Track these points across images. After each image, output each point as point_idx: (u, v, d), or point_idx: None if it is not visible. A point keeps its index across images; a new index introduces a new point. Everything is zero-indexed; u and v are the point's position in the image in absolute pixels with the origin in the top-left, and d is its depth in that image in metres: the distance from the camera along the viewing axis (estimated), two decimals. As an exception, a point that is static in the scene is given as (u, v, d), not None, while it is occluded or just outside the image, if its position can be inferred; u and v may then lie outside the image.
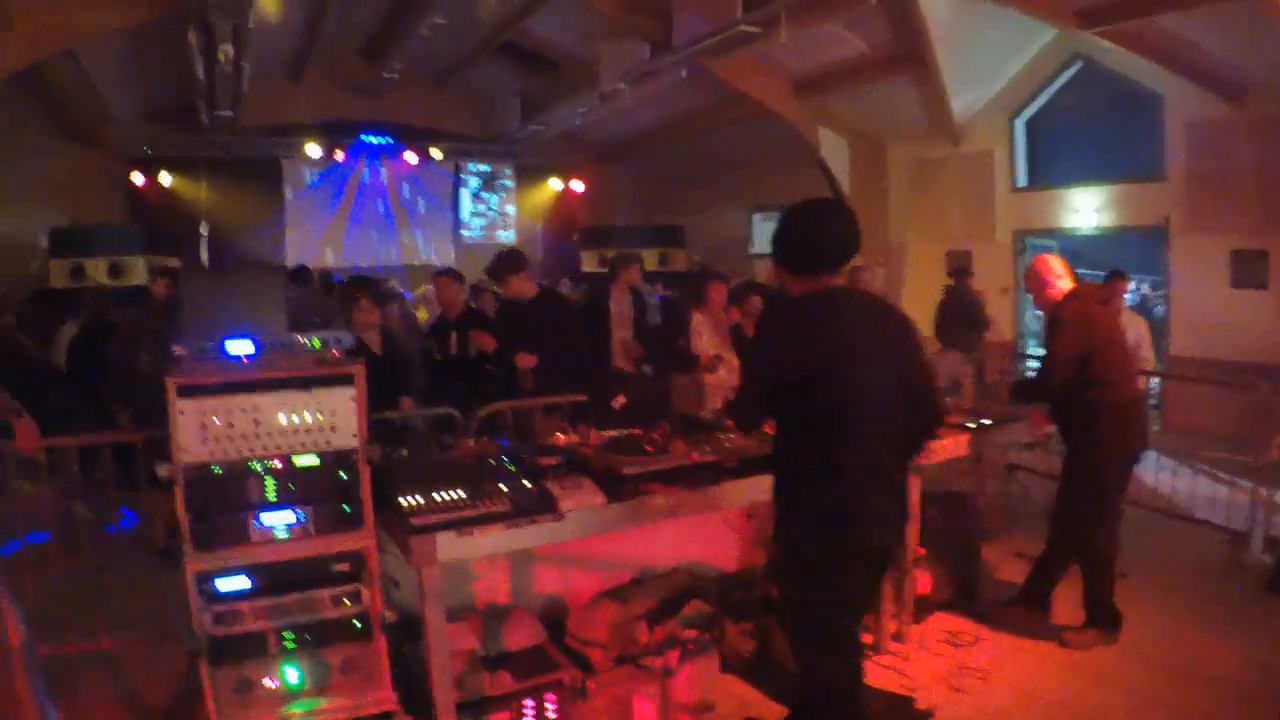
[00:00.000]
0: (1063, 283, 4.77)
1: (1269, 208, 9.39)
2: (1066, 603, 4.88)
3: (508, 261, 6.41)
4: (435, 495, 3.33)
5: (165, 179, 15.36)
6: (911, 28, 10.15)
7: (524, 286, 6.32)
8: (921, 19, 9.89)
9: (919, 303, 12.35)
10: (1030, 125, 11.98)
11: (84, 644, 4.52)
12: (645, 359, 7.25)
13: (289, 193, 16.82)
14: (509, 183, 18.97)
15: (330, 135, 16.41)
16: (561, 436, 4.34)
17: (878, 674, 4.32)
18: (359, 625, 3.22)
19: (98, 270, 12.12)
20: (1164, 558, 5.94)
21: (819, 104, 12.81)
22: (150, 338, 6.39)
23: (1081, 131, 11.46)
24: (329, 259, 16.62)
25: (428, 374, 7.03)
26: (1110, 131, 11.19)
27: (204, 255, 15.60)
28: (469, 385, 6.75)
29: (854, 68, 11.72)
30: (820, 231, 3.20)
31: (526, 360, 6.28)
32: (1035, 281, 4.90)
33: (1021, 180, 12.05)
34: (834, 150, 13.37)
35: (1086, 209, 11.13)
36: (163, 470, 3.00)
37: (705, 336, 6.70)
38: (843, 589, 3.10)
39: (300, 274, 10.95)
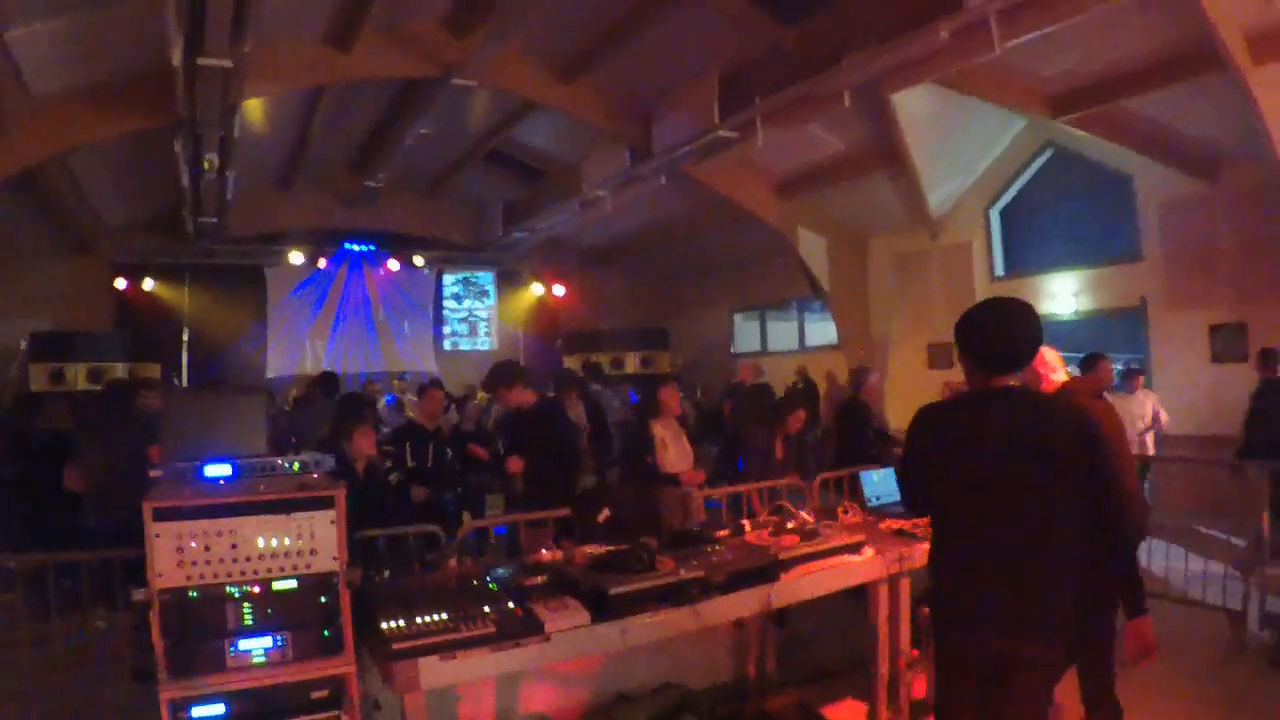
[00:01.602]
0: (1057, 375, 4.58)
1: (1245, 280, 9.59)
2: (1069, 700, 4.76)
3: (503, 372, 6.52)
4: (418, 618, 3.26)
5: (149, 285, 15.44)
6: (887, 125, 10.43)
7: (520, 396, 6.36)
8: (895, 116, 10.16)
9: (904, 397, 12.43)
10: (1005, 214, 12.25)
11: None
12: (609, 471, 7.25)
13: (272, 299, 16.95)
14: (491, 289, 19.21)
15: (314, 243, 16.63)
16: (546, 553, 4.27)
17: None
18: (338, 754, 3.10)
19: (78, 375, 12.08)
20: (1162, 640, 5.83)
21: (798, 204, 13.05)
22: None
23: (1056, 218, 11.74)
24: (310, 366, 16.62)
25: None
26: (1084, 216, 11.45)
27: (184, 361, 15.57)
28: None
29: (832, 167, 12.01)
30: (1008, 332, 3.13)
31: (515, 464, 6.38)
32: (1031, 375, 4.84)
33: (1000, 269, 12.25)
34: (813, 247, 13.57)
35: (1065, 294, 11.31)
36: (138, 594, 2.93)
37: (671, 448, 6.70)
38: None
39: (328, 382, 10.53)
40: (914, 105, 10.04)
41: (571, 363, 16.92)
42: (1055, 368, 4.60)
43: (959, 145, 11.32)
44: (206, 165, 9.59)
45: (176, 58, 7.17)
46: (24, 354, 12.85)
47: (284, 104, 11.43)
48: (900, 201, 12.09)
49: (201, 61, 7.14)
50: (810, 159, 11.99)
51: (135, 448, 6.12)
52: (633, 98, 10.88)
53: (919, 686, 4.82)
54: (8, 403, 11.94)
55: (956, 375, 7.77)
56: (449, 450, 7.29)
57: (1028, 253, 12.06)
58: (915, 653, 4.81)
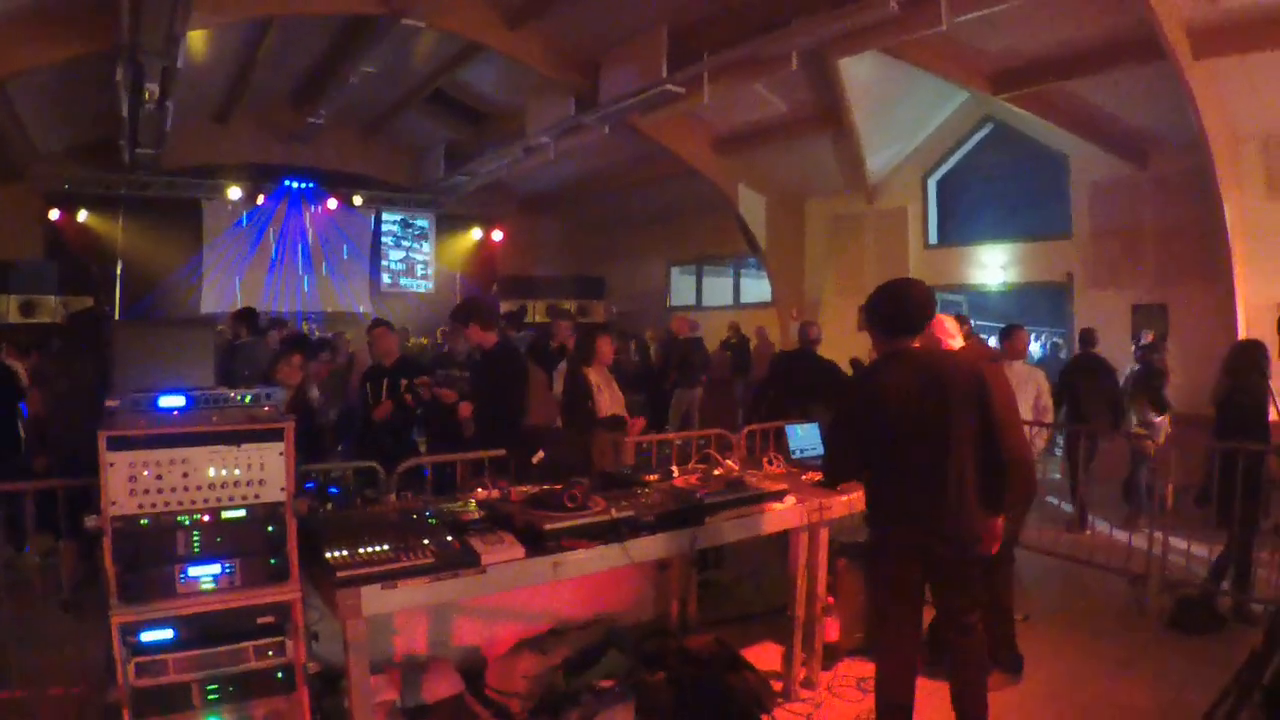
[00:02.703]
0: (955, 342, 4.99)
1: (1168, 263, 10.02)
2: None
3: (467, 309, 6.79)
4: (360, 548, 3.39)
5: (83, 216, 15.06)
6: (831, 89, 10.61)
7: (482, 337, 6.51)
8: (841, 81, 10.34)
9: (834, 357, 12.71)
10: (942, 184, 12.54)
11: None
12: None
13: (208, 234, 16.64)
14: (429, 231, 19.06)
15: (253, 179, 16.38)
16: (482, 491, 4.42)
17: (787, 720, 4.46)
18: (282, 677, 3.25)
19: (9, 307, 11.82)
20: (1066, 601, 6.26)
21: (739, 161, 13.21)
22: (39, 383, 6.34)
23: (991, 191, 12.05)
24: (245, 302, 16.31)
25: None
26: (1018, 191, 11.79)
27: (118, 295, 15.29)
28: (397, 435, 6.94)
29: (774, 127, 12.16)
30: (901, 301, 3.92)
31: (466, 409, 6.64)
32: (928, 340, 5.17)
33: (933, 237, 12.57)
34: (752, 206, 13.76)
35: (994, 265, 11.67)
36: (90, 521, 3.03)
37: (605, 393, 6.90)
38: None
39: (247, 317, 10.50)
40: (859, 71, 10.23)
41: (508, 307, 16.99)
42: (953, 334, 5.04)
43: (901, 113, 11.55)
44: (147, 95, 9.40)
45: (124, -17, 7.03)
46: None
47: (228, 34, 11.20)
48: (839, 165, 12.32)
49: (149, -12, 7.02)
50: (754, 118, 12.13)
51: (98, 378, 6.06)
52: (581, 47, 10.90)
53: (831, 630, 5.11)
54: None
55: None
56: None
57: (961, 223, 12.39)
58: (830, 599, 5.08)
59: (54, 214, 14.80)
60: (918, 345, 3.96)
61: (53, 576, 5.57)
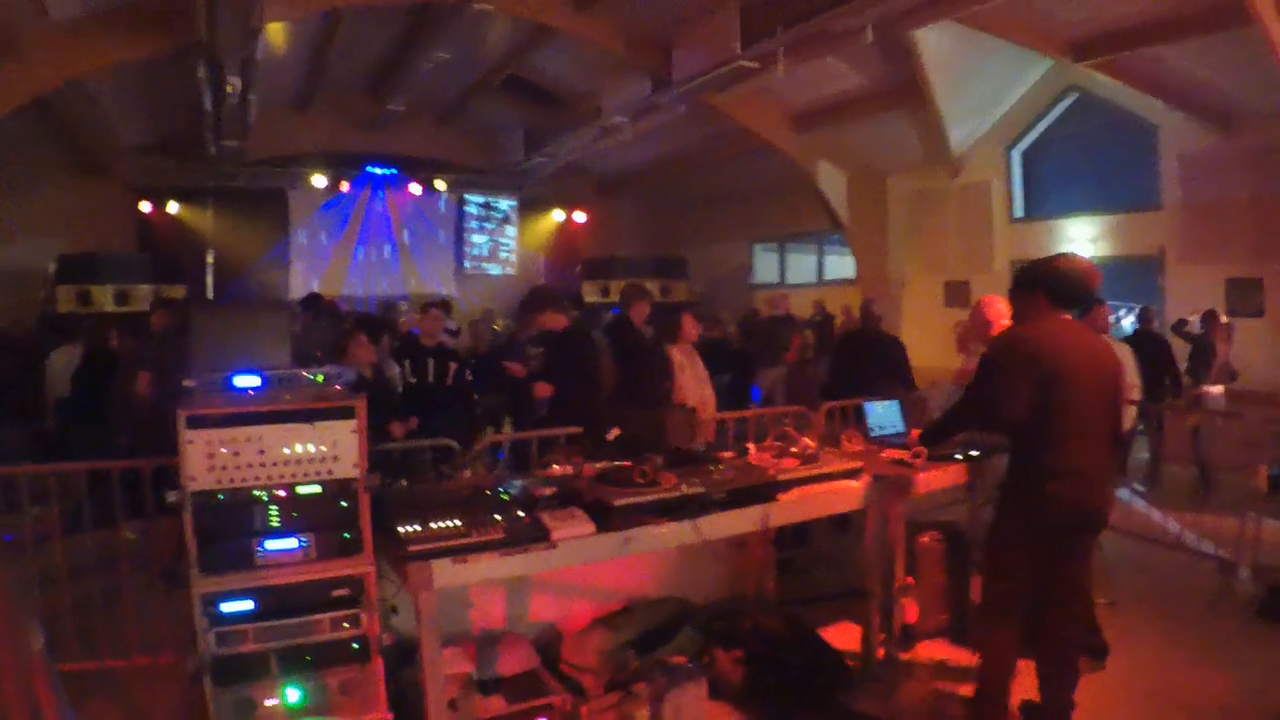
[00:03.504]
0: (1005, 321, 4.93)
1: (1263, 236, 9.58)
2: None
3: (537, 297, 6.85)
4: (432, 524, 3.44)
5: (173, 208, 15.63)
6: (908, 61, 10.37)
7: (553, 320, 6.57)
8: (918, 53, 10.11)
9: (919, 334, 12.50)
10: (1026, 156, 12.18)
11: (88, 663, 4.65)
12: (633, 398, 7.44)
13: (294, 223, 17.08)
14: (512, 214, 19.20)
15: (336, 167, 16.72)
16: (556, 468, 4.45)
17: (865, 703, 4.40)
18: (357, 648, 3.32)
19: (104, 297, 12.27)
20: (1153, 587, 6.03)
21: (818, 137, 13.02)
22: (146, 367, 6.53)
23: (1077, 162, 11.66)
24: (332, 288, 16.76)
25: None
26: (1105, 162, 11.39)
27: (209, 283, 15.80)
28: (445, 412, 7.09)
29: (852, 101, 11.96)
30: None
31: (544, 389, 6.68)
32: (980, 321, 5.12)
33: (1019, 211, 12.22)
34: (832, 182, 13.55)
35: (1082, 239, 11.29)
36: (171, 496, 3.13)
37: (687, 371, 6.87)
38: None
39: (313, 302, 10.99)
40: (936, 42, 9.99)
41: (591, 289, 17.06)
42: (1004, 314, 5.05)
43: (981, 85, 11.24)
44: (229, 89, 9.64)
45: (197, -20, 7.21)
46: (52, 276, 13.05)
47: (304, 26, 11.44)
48: (920, 139, 12.06)
49: (224, -14, 7.19)
50: (831, 92, 11.95)
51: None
52: (651, 26, 10.83)
53: (911, 612, 5.02)
54: (33, 323, 12.23)
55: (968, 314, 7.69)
56: (449, 367, 7.52)
57: (1047, 196, 12.03)
58: (909, 580, 4.99)
59: (145, 206, 15.39)
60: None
61: (145, 552, 5.80)
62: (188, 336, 6.33)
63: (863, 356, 8.42)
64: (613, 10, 10.75)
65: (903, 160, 13.05)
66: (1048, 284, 3.99)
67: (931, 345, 10.43)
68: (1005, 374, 3.89)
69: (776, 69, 9.32)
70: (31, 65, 9.03)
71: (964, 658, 4.87)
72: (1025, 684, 4.04)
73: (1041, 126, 11.90)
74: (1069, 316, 4.07)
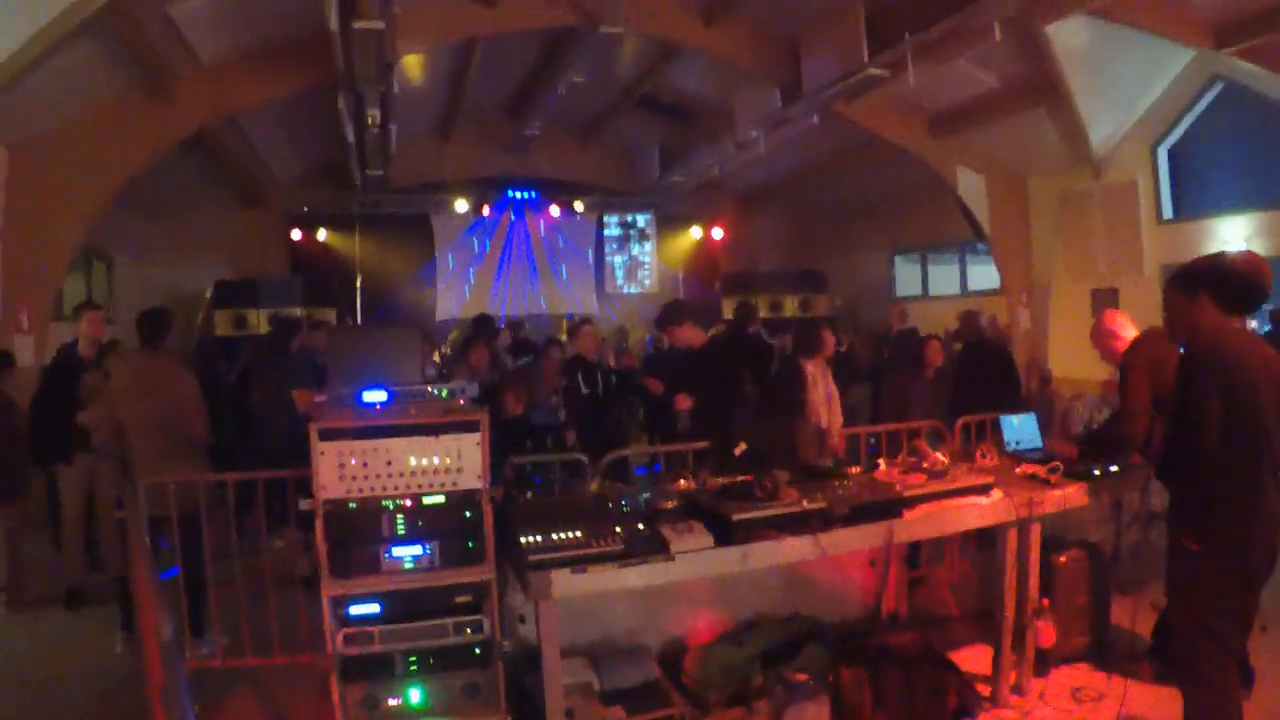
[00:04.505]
0: (1128, 333, 4.81)
1: None
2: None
3: (671, 312, 6.92)
4: (554, 534, 3.52)
5: (322, 235, 16.49)
6: (1041, 60, 9.99)
7: (689, 335, 6.64)
8: (1051, 50, 9.73)
9: (1065, 345, 12.01)
10: (1173, 153, 11.50)
11: (232, 660, 5.02)
12: (763, 410, 7.42)
13: (439, 246, 17.68)
14: (650, 232, 19.40)
15: (477, 191, 17.24)
16: (682, 482, 4.48)
17: (995, 726, 4.26)
18: (479, 652, 3.43)
19: (260, 320, 12.97)
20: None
21: (954, 142, 12.67)
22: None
23: (1227, 157, 10.92)
24: (476, 309, 17.24)
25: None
26: (1258, 155, 10.62)
27: (358, 306, 16.57)
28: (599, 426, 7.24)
29: (987, 103, 11.58)
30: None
31: (684, 402, 6.78)
32: (1103, 336, 4.90)
33: (1168, 211, 11.55)
34: (972, 187, 13.13)
35: (1236, 239, 10.56)
36: (304, 504, 3.30)
37: (819, 386, 6.79)
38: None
39: (484, 323, 11.19)
40: (1070, 37, 9.57)
41: (730, 305, 17.05)
42: (1127, 325, 4.89)
43: (1120, 80, 10.69)
44: (370, 121, 10.10)
45: (333, 21, 7.56)
46: (209, 301, 13.93)
47: (438, 57, 11.88)
48: (1060, 139, 11.57)
49: (357, 24, 7.53)
50: (965, 96, 11.60)
51: (284, 384, 6.61)
52: (778, 37, 10.79)
53: (1046, 634, 4.80)
54: (195, 345, 13.06)
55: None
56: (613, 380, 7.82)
57: (1198, 194, 11.29)
58: (1045, 601, 4.78)
59: (295, 234, 16.28)
60: None
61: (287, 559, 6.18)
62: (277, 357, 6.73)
63: (973, 370, 8.22)
64: (740, 24, 10.77)
65: (1044, 162, 12.53)
66: (1215, 286, 3.57)
67: (1080, 356, 9.94)
68: (1201, 392, 3.43)
69: (907, 75, 9.13)
70: (185, 105, 9.73)
71: (1101, 684, 4.66)
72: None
73: (1188, 121, 11.20)
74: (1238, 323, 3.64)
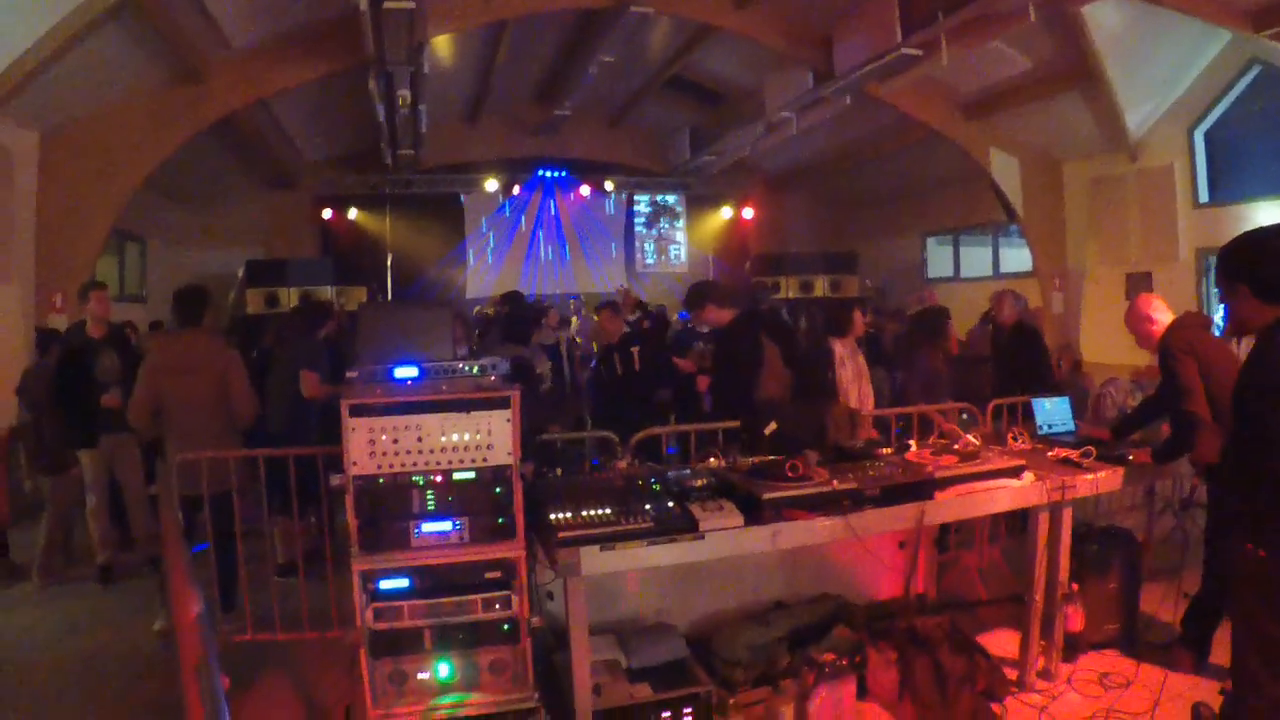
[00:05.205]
0: (1164, 317, 4.77)
1: None
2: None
3: (700, 292, 6.79)
4: (583, 512, 3.53)
5: (353, 214, 16.57)
6: (1077, 41, 9.86)
7: (718, 315, 6.59)
8: (1086, 32, 9.60)
9: (1099, 330, 11.86)
10: (1210, 137, 11.28)
11: (261, 634, 5.10)
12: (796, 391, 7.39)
13: (469, 226, 17.81)
14: (680, 211, 19.41)
15: (507, 171, 17.32)
16: (713, 461, 4.47)
17: (1021, 712, 4.24)
18: (507, 629, 3.43)
19: (290, 299, 13.06)
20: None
21: (988, 124, 12.54)
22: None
23: (1265, 141, 10.70)
24: (507, 287, 17.26)
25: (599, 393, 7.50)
26: (1299, 139, 10.42)
27: (389, 285, 16.66)
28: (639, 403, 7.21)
29: (1021, 85, 11.45)
30: None
31: (704, 381, 6.81)
32: (1140, 324, 4.82)
33: (1204, 196, 11.35)
34: (1006, 170, 12.99)
35: (1277, 222, 10.37)
36: (335, 480, 3.32)
37: (848, 366, 6.75)
38: None
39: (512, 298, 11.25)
40: (1106, 19, 9.43)
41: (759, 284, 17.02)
42: (1161, 311, 4.82)
43: (1156, 62, 10.51)
44: (401, 102, 10.13)
45: (363, 3, 7.58)
46: (241, 280, 14.07)
47: (469, 38, 11.89)
48: (1096, 122, 11.41)
49: (387, 5, 7.53)
50: (999, 77, 11.47)
51: (298, 365, 6.61)
52: (811, 19, 10.70)
53: (1075, 620, 4.75)
54: (226, 324, 13.19)
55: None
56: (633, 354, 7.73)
57: (1235, 178, 11.07)
58: (1075, 586, 4.73)
59: (326, 213, 16.43)
60: None
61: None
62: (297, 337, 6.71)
63: (1001, 354, 8.16)
64: (772, 5, 10.67)
65: (1079, 146, 12.36)
66: (1249, 274, 3.15)
67: (1113, 341, 9.85)
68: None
69: (940, 56, 9.03)
70: (217, 89, 9.82)
71: (1130, 670, 4.65)
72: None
73: (1224, 104, 10.98)
74: None
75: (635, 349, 7.63)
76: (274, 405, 6.55)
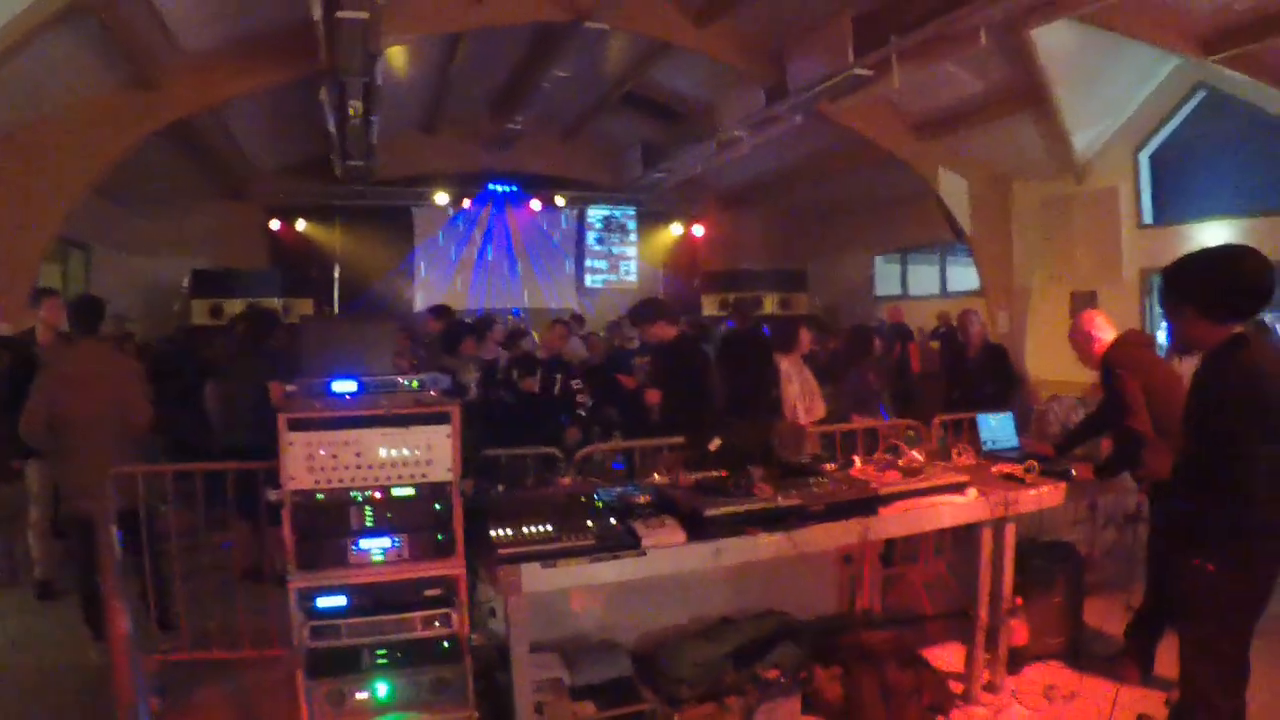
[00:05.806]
0: (1106, 334, 4.85)
1: None
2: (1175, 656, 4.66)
3: (647, 309, 6.87)
4: (524, 528, 3.50)
5: (301, 225, 16.41)
6: (1027, 64, 10.02)
7: (663, 331, 6.61)
8: (1036, 56, 9.75)
9: (1046, 347, 12.03)
10: (1155, 159, 11.54)
11: (199, 652, 4.98)
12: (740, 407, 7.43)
13: (419, 238, 17.66)
14: (632, 227, 19.41)
15: (459, 184, 17.20)
16: (656, 477, 4.46)
17: (966, 726, 4.26)
18: (447, 647, 3.39)
19: (235, 310, 12.84)
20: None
21: (938, 145, 12.69)
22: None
23: (1210, 164, 10.96)
24: (455, 302, 17.14)
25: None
26: (1240, 163, 10.66)
27: (336, 297, 16.47)
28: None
29: (971, 107, 11.61)
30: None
31: (653, 396, 6.77)
32: (1082, 338, 4.91)
33: (1148, 217, 11.59)
34: (954, 190, 13.16)
35: (1217, 244, 10.58)
36: (272, 495, 3.26)
37: (795, 383, 6.79)
38: None
39: (442, 312, 11.18)
40: (1055, 43, 9.58)
41: (710, 302, 17.05)
42: (1105, 328, 4.90)
43: (1105, 85, 10.72)
44: (352, 112, 10.04)
45: (317, 11, 7.49)
46: (186, 290, 13.83)
47: (424, 50, 11.81)
48: (1044, 144, 11.60)
49: (340, 14, 7.46)
50: (949, 98, 11.62)
51: (260, 379, 6.39)
52: (767, 38, 10.75)
53: (1019, 633, 4.81)
54: (170, 335, 12.96)
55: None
56: (558, 378, 7.77)
57: (1179, 200, 11.32)
58: (1019, 600, 4.78)
59: (274, 224, 16.21)
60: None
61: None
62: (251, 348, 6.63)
63: (970, 375, 8.28)
64: (729, 25, 10.71)
65: (1027, 167, 12.56)
66: (1199, 295, 3.25)
67: (1058, 359, 9.97)
68: (1252, 420, 3.15)
69: (892, 77, 9.13)
70: (166, 94, 9.56)
71: (1073, 682, 4.70)
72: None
73: (1170, 127, 11.25)
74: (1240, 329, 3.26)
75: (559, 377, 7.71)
76: (239, 417, 6.45)
